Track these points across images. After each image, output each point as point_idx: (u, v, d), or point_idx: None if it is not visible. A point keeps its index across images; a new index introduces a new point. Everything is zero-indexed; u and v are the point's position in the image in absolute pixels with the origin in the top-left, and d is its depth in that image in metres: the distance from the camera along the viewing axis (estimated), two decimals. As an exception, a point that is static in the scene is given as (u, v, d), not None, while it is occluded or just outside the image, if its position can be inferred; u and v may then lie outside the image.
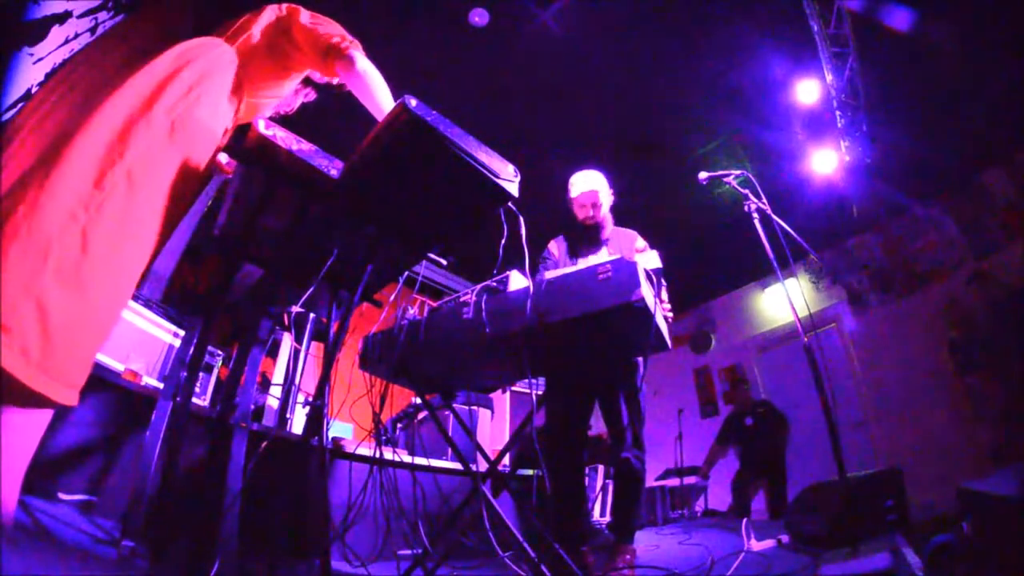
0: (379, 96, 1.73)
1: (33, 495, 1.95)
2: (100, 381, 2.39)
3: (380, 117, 1.65)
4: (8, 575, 1.02)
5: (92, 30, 3.22)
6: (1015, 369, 5.05)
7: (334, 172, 1.71)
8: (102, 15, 3.29)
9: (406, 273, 2.24)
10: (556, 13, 4.65)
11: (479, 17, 4.63)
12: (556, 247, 3.16)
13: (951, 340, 5.83)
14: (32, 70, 2.81)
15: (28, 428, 1.22)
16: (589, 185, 3.11)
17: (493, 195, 1.67)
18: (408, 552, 2.92)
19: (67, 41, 3.03)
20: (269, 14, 1.85)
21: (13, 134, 1.39)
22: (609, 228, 3.13)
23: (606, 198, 3.13)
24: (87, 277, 1.21)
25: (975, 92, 5.11)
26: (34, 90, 2.76)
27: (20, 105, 2.64)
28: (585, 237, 3.11)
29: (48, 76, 2.83)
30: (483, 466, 2.41)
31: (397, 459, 3.05)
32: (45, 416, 1.25)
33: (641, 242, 3.12)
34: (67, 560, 1.52)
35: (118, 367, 2.80)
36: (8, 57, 2.61)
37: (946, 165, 5.91)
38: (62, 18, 2.98)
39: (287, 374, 3.69)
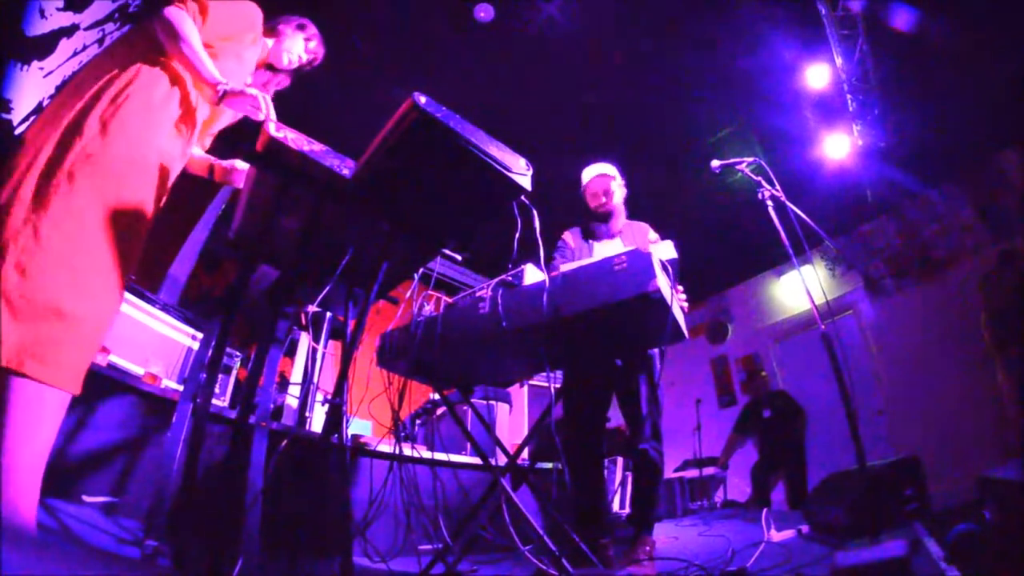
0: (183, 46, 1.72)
1: (57, 498, 1.98)
2: (120, 385, 2.41)
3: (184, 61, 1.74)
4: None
5: (100, 42, 3.25)
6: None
7: (346, 171, 1.72)
8: (109, 27, 3.31)
9: (421, 269, 2.24)
10: (561, 5, 4.64)
11: (484, 12, 4.62)
12: (571, 237, 3.17)
13: (989, 313, 5.39)
14: (43, 83, 2.84)
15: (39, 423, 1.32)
16: (601, 172, 3.17)
17: (506, 189, 1.67)
18: (429, 547, 2.93)
19: (75, 53, 3.06)
20: None
21: (22, 147, 1.46)
22: (622, 220, 3.14)
23: (618, 188, 3.16)
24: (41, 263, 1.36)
25: (988, 72, 5.03)
26: (45, 103, 2.80)
27: (32, 118, 2.68)
28: (598, 225, 3.11)
29: (59, 88, 2.86)
30: (502, 460, 2.42)
31: (416, 455, 3.06)
32: (57, 412, 1.36)
33: (653, 234, 3.13)
34: (92, 561, 1.55)
35: (138, 371, 2.83)
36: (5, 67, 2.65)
37: (961, 147, 5.83)
38: (70, 31, 3.00)
39: (305, 373, 3.71)
